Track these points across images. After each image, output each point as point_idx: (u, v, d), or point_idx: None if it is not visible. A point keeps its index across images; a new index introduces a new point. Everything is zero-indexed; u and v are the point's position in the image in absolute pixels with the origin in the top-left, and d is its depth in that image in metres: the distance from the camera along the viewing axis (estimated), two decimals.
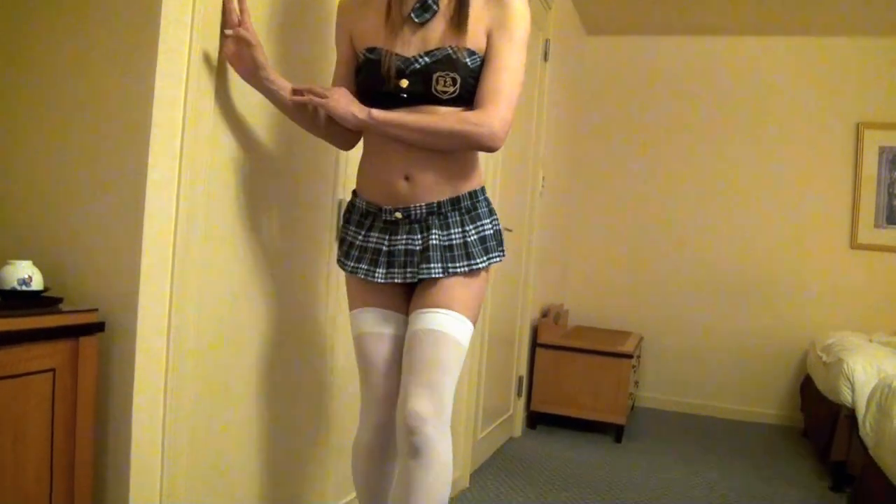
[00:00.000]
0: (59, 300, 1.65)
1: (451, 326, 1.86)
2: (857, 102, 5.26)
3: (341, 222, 2.10)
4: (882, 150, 5.18)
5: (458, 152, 1.90)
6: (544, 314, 4.87)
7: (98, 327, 1.66)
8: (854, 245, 5.22)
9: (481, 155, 2.00)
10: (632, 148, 5.73)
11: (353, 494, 2.83)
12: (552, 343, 4.67)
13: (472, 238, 1.91)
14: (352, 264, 1.99)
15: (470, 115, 1.80)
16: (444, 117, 1.81)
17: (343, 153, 2.47)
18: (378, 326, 1.96)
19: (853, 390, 3.81)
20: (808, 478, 4.11)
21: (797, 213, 5.36)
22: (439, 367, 1.83)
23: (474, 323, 1.93)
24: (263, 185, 2.11)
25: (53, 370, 1.55)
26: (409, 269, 1.92)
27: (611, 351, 4.55)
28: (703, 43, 5.60)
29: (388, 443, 1.96)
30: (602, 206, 5.79)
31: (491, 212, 1.97)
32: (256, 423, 2.17)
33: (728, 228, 5.50)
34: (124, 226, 1.70)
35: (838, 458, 3.85)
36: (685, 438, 4.77)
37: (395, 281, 1.93)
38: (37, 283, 1.61)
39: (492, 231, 1.95)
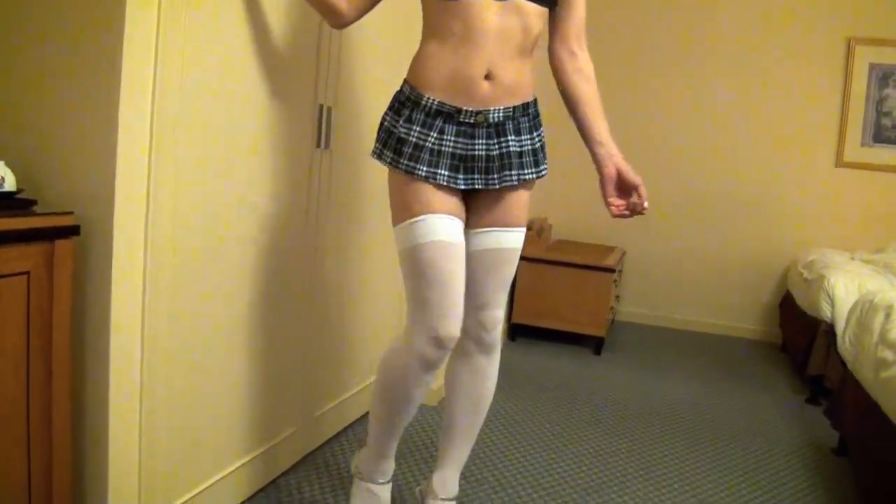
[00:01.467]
0: (34, 202, 1.59)
1: (520, 243, 2.03)
2: (849, 18, 5.15)
3: (393, 119, 1.92)
4: (872, 67, 5.10)
5: (528, 58, 1.93)
6: (528, 227, 4.83)
7: (73, 230, 1.60)
8: (840, 163, 5.20)
9: None
10: (616, 65, 5.62)
11: (332, 404, 2.84)
12: (535, 256, 4.65)
13: (537, 145, 1.99)
14: (424, 168, 1.85)
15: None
16: None
17: (324, 57, 2.39)
18: (452, 235, 1.87)
19: (833, 306, 3.84)
20: (785, 391, 4.18)
21: (783, 129, 5.30)
22: (510, 280, 2.05)
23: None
24: (241, 85, 2.03)
25: (28, 273, 1.51)
26: (490, 176, 1.90)
27: (593, 265, 4.55)
28: None
29: (444, 358, 1.90)
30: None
31: (541, 122, 2.04)
32: (239, 329, 2.15)
33: (713, 145, 5.45)
34: (99, 127, 1.63)
35: (815, 373, 3.91)
36: (664, 352, 4.83)
37: (476, 187, 1.90)
38: (9, 185, 1.55)
39: (544, 140, 2.05)
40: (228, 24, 1.94)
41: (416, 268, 1.86)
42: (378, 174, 2.95)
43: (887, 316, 2.72)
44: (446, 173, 1.87)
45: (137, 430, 1.78)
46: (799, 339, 4.28)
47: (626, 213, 2.02)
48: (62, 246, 1.58)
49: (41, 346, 1.55)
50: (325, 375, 2.75)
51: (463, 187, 1.89)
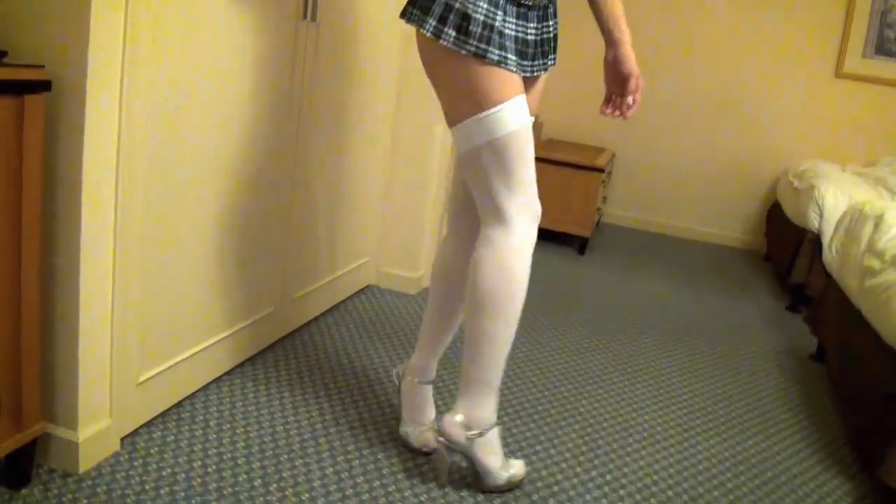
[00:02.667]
0: (3, 53, 1.50)
1: None
2: None
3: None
4: None
5: None
6: None
7: (44, 85, 1.52)
8: (839, 74, 5.08)
9: None
10: None
11: (313, 287, 2.81)
12: None
13: (557, 31, 1.90)
14: (497, 52, 1.68)
15: None
16: None
17: None
18: (528, 115, 1.78)
19: (821, 216, 3.82)
20: (766, 297, 4.19)
21: (783, 36, 5.16)
22: None
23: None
24: None
25: None
26: (535, 62, 1.85)
27: (582, 164, 4.49)
28: None
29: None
30: (580, 21, 5.53)
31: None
32: (217, 202, 2.09)
33: (709, 48, 5.31)
34: None
35: (798, 280, 3.91)
36: (648, 255, 4.81)
37: (532, 74, 1.85)
38: None
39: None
40: None
41: (511, 155, 1.73)
42: (371, 49, 2.85)
43: (876, 225, 2.69)
44: (514, 58, 1.73)
45: (110, 298, 1.74)
46: (784, 248, 4.27)
47: (609, 113, 1.96)
48: (33, 102, 1.50)
49: (9, 207, 1.49)
50: (307, 258, 2.71)
51: (525, 74, 1.81)
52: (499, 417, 2.32)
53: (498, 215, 1.79)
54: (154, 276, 1.90)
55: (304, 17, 2.33)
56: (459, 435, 1.86)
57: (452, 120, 1.78)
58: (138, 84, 1.68)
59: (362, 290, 3.33)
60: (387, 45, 3.03)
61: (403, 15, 1.77)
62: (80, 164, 1.58)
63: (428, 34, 1.70)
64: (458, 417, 1.87)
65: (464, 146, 1.77)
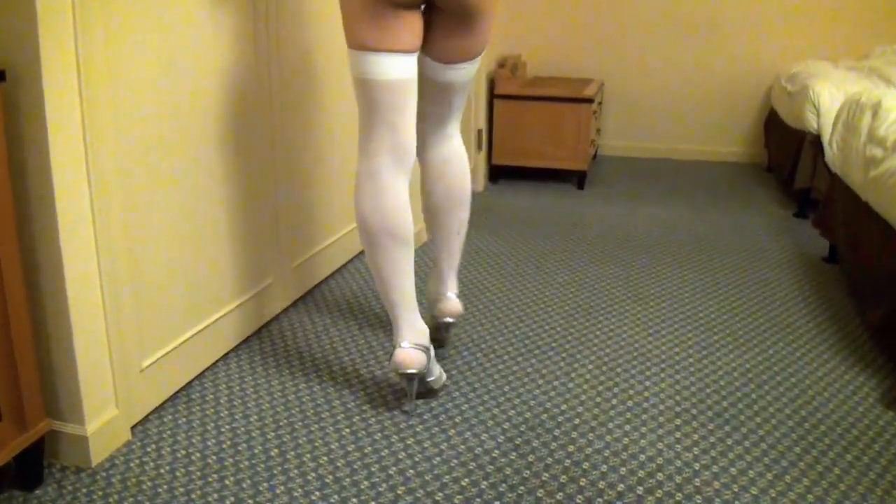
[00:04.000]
0: None
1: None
2: None
3: None
4: None
5: None
6: (500, 65, 4.66)
7: None
8: None
9: None
10: None
11: (309, 255, 2.77)
12: (510, 93, 4.49)
13: None
14: None
15: None
16: None
17: None
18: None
19: (818, 115, 3.73)
20: (772, 207, 4.13)
21: None
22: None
23: (348, 44, 1.86)
24: None
25: None
26: None
27: (570, 97, 4.39)
28: None
29: None
30: None
31: None
32: (196, 182, 2.03)
33: None
34: None
35: (802, 185, 3.84)
36: (649, 181, 4.74)
37: None
38: None
39: None
40: None
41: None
42: (334, 5, 2.77)
43: (874, 114, 2.61)
44: None
45: (98, 286, 1.69)
46: (785, 154, 4.19)
47: None
48: None
49: None
50: (300, 226, 2.66)
51: None
52: (516, 354, 2.28)
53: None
54: (142, 258, 1.85)
55: None
56: (461, 307, 2.25)
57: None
58: (96, 65, 1.62)
59: (361, 252, 3.28)
60: None
61: None
62: (48, 154, 1.53)
63: None
64: (454, 293, 2.26)
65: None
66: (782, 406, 2.03)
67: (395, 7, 1.73)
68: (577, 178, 4.55)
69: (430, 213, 2.21)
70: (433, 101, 2.04)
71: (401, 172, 1.87)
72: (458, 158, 2.14)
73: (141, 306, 1.86)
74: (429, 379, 2.00)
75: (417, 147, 2.11)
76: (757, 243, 3.47)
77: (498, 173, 4.66)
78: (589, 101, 4.36)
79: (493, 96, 4.50)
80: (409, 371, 1.89)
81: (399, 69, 1.78)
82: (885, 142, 2.41)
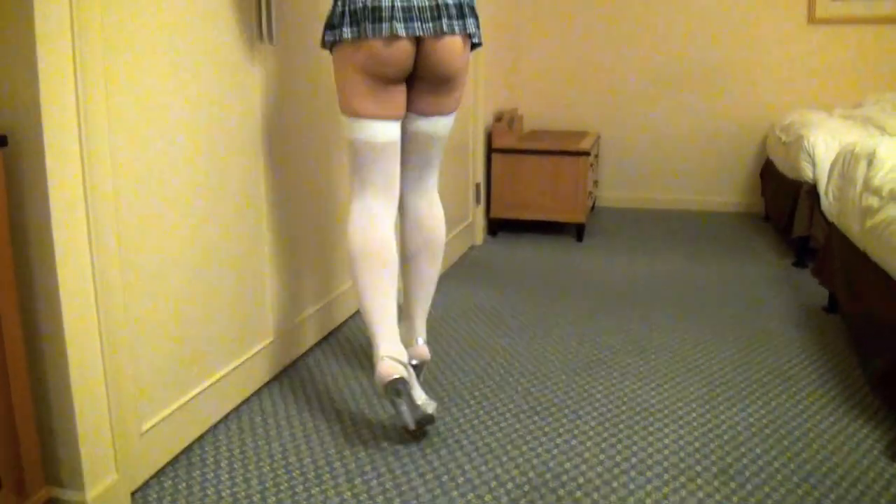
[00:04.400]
0: None
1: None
2: None
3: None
4: None
5: None
6: (498, 119, 4.70)
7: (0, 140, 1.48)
8: (812, 19, 5.03)
9: None
10: None
11: (310, 312, 2.77)
12: (507, 147, 4.53)
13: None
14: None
15: None
16: None
17: None
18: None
19: (814, 165, 3.76)
20: (771, 257, 4.14)
21: None
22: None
23: (342, 111, 2.15)
24: None
25: None
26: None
27: (567, 150, 4.43)
28: None
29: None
30: (549, 7, 5.50)
31: None
32: (194, 241, 2.04)
33: (679, 15, 5.26)
34: (15, 34, 1.48)
35: (800, 234, 3.85)
36: (647, 232, 4.76)
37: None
38: None
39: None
40: None
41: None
42: (330, 66, 2.81)
43: (870, 163, 2.63)
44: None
45: (99, 350, 1.69)
46: (781, 203, 4.21)
47: None
48: None
49: None
50: (298, 284, 2.66)
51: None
52: (518, 412, 2.27)
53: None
54: (142, 321, 1.85)
55: (261, 39, 2.29)
56: (428, 352, 2.36)
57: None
58: (96, 130, 1.64)
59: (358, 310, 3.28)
60: None
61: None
62: (49, 218, 1.54)
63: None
64: (423, 339, 2.38)
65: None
66: (787, 461, 2.01)
67: (387, 82, 2.03)
68: (576, 231, 4.57)
69: (406, 262, 2.38)
70: (416, 153, 2.25)
71: (389, 210, 2.18)
72: (436, 211, 2.35)
73: (141, 368, 1.86)
74: (418, 402, 2.06)
75: (399, 201, 2.30)
76: (757, 293, 3.47)
77: (497, 226, 4.68)
78: (586, 153, 4.40)
79: (490, 150, 4.54)
80: (394, 377, 2.01)
81: (388, 133, 2.10)
82: (880, 191, 2.43)
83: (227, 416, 2.26)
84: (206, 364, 2.14)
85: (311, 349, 2.79)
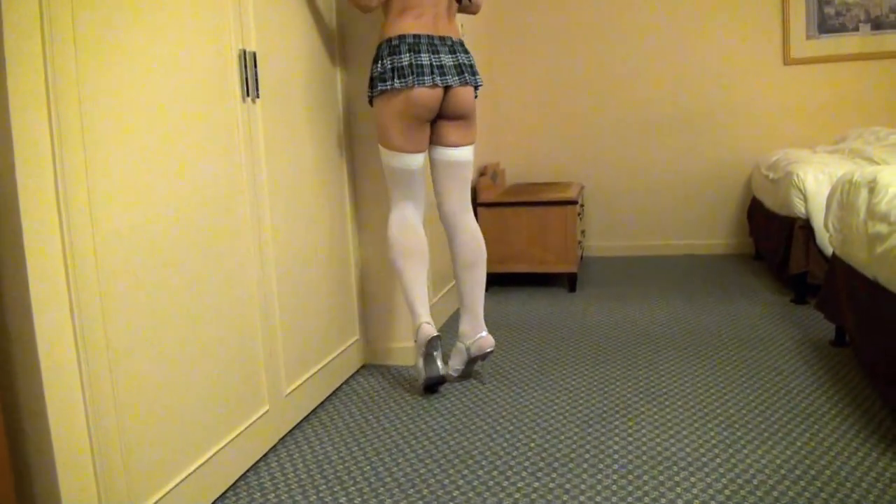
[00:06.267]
0: None
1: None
2: None
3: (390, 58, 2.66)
4: None
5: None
6: (481, 174, 4.65)
7: None
8: (788, 61, 5.06)
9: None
10: (548, 2, 5.42)
11: (303, 379, 2.65)
12: (493, 201, 4.46)
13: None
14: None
15: None
16: None
17: (248, 4, 2.17)
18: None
19: (806, 200, 3.72)
20: (768, 295, 4.07)
21: (726, 36, 5.16)
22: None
23: (380, 143, 2.80)
24: (150, 39, 1.79)
25: None
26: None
27: (554, 200, 4.37)
28: None
29: None
30: (526, 60, 5.51)
31: (374, 59, 2.71)
32: (182, 311, 1.93)
33: (656, 63, 5.29)
34: None
35: (798, 270, 3.78)
36: (639, 279, 4.69)
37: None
38: None
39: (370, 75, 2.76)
40: None
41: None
42: (316, 122, 2.74)
43: (871, 190, 2.57)
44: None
45: (85, 428, 1.56)
46: (774, 241, 4.16)
47: None
48: None
49: None
50: (293, 349, 2.55)
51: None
52: (535, 469, 2.14)
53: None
54: (129, 394, 1.72)
55: (246, 97, 2.22)
56: (493, 340, 2.94)
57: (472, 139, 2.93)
58: (75, 191, 1.54)
59: (358, 371, 3.16)
60: (329, 117, 2.93)
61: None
62: (28, 289, 1.43)
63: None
64: (486, 331, 2.94)
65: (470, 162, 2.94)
66: (821, 502, 1.90)
67: (418, 124, 2.70)
68: (568, 281, 4.48)
69: (467, 269, 2.92)
70: (454, 179, 2.87)
71: (419, 216, 2.88)
72: (475, 227, 2.95)
73: (130, 451, 1.72)
74: (445, 362, 3.00)
75: (449, 227, 2.93)
76: (760, 332, 3.39)
77: (487, 282, 4.58)
78: (573, 202, 4.34)
79: (476, 205, 4.47)
80: (433, 335, 2.73)
81: (417, 162, 2.78)
82: (888, 217, 2.36)
83: (224, 494, 2.11)
84: (200, 438, 2.01)
85: (312, 413, 2.66)
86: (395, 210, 2.85)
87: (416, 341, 2.79)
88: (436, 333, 2.73)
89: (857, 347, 2.70)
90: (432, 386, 2.80)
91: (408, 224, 2.83)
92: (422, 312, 2.80)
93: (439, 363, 2.77)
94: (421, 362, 2.78)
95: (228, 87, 2.15)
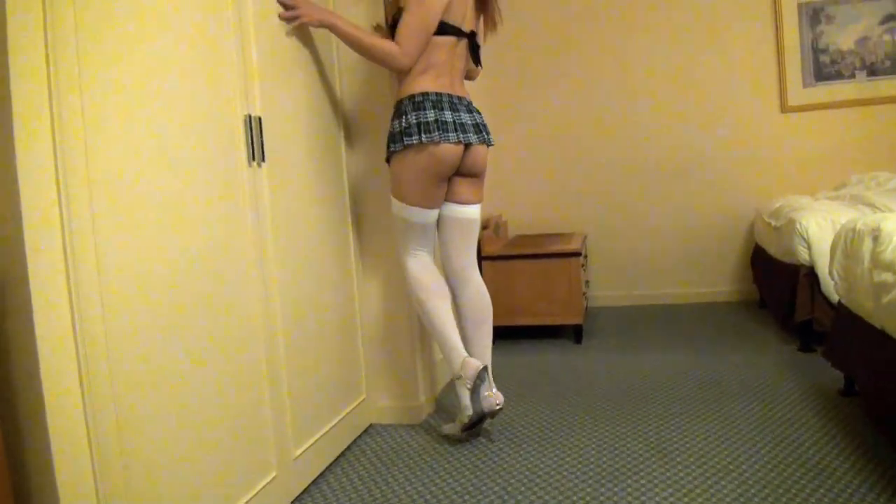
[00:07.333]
0: None
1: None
2: None
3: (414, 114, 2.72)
4: (801, 7, 5.03)
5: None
6: (484, 227, 4.67)
7: None
8: (785, 108, 5.11)
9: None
10: (545, 47, 5.49)
11: (311, 442, 2.63)
12: (497, 254, 4.47)
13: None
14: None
15: (385, 42, 2.69)
16: (375, 42, 2.68)
17: (252, 69, 2.20)
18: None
19: (809, 247, 3.72)
20: (775, 344, 4.05)
21: (723, 85, 5.22)
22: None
23: (396, 197, 2.84)
24: (158, 106, 1.81)
25: None
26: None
27: (557, 252, 4.38)
28: None
29: None
30: (526, 113, 5.57)
31: (396, 115, 2.77)
32: (188, 376, 1.92)
33: (656, 113, 5.34)
34: None
35: (803, 319, 3.77)
36: (645, 329, 4.67)
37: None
38: None
39: (389, 132, 2.80)
40: (130, 41, 1.72)
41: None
42: (322, 184, 2.76)
43: (875, 239, 2.57)
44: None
45: (94, 495, 1.55)
46: (779, 289, 4.15)
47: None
48: None
49: None
50: (299, 411, 2.53)
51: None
52: None
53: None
54: (133, 464, 1.71)
55: (252, 160, 2.24)
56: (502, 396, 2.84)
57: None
58: (86, 273, 1.54)
59: (365, 431, 3.14)
60: (334, 178, 2.95)
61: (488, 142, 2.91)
62: (38, 364, 1.43)
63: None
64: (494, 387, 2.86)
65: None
66: None
67: (437, 181, 2.76)
68: (574, 333, 4.47)
69: (476, 325, 2.95)
70: (464, 236, 2.95)
71: (431, 259, 2.94)
72: (482, 283, 3.01)
73: None
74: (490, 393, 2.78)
75: (456, 283, 2.98)
76: (768, 382, 3.37)
77: (493, 335, 4.56)
78: (577, 254, 4.34)
79: (480, 258, 4.48)
80: (480, 366, 2.73)
81: (432, 216, 2.86)
82: (893, 265, 2.36)
83: None
84: None
85: (321, 476, 2.63)
86: (410, 258, 2.90)
87: (458, 378, 2.75)
88: (482, 365, 2.72)
89: (867, 397, 2.68)
90: (479, 423, 2.76)
91: (427, 265, 2.89)
92: (460, 346, 2.80)
93: (486, 394, 2.73)
94: (467, 397, 2.74)
95: (234, 151, 2.17)
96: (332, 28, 2.69)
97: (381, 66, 2.80)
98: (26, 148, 1.43)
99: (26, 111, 1.43)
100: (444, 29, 2.75)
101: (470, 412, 2.73)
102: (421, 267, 2.88)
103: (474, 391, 2.70)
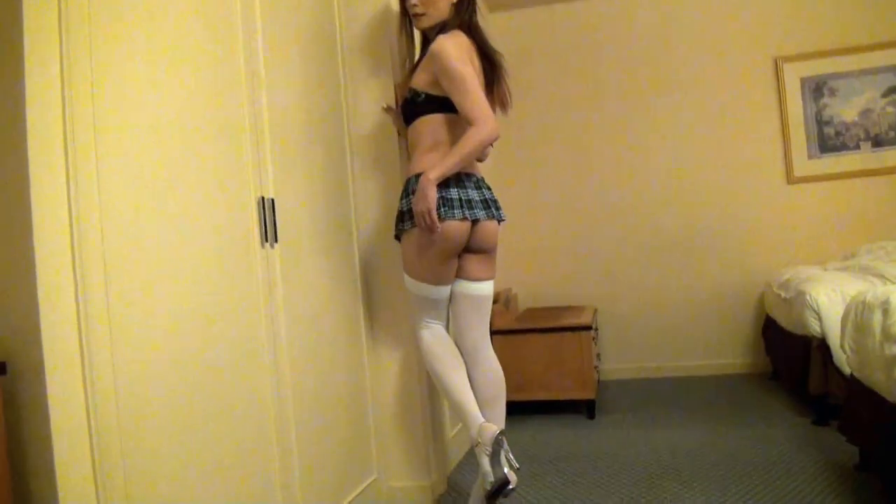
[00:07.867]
0: None
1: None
2: (771, 37, 5.23)
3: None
4: (804, 81, 5.13)
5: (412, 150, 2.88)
6: (494, 301, 4.68)
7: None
8: (791, 180, 5.17)
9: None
10: (552, 122, 5.59)
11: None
12: (507, 328, 4.48)
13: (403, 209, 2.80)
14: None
15: (472, 132, 2.65)
16: (466, 142, 2.64)
17: (265, 151, 2.25)
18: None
19: (820, 319, 3.72)
20: (789, 417, 4.01)
21: (730, 158, 5.28)
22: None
23: (407, 273, 2.85)
24: (173, 189, 1.86)
25: None
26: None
27: (568, 325, 4.38)
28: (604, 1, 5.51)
29: None
30: (533, 186, 5.64)
31: (404, 193, 2.78)
32: (205, 459, 1.92)
33: (664, 186, 5.40)
34: (16, 261, 1.45)
35: (818, 392, 3.74)
36: (658, 403, 4.64)
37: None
38: None
39: (398, 209, 2.81)
40: (145, 123, 1.78)
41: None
42: (333, 262, 2.79)
43: (885, 312, 2.58)
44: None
45: None
46: (791, 361, 4.13)
47: None
48: None
49: None
50: (310, 494, 2.52)
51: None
52: None
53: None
54: None
55: (265, 242, 2.28)
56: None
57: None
58: (101, 359, 1.57)
59: None
60: (346, 254, 2.99)
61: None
62: (52, 452, 1.44)
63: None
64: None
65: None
66: None
67: (446, 258, 2.74)
68: (587, 408, 4.44)
69: (482, 405, 2.78)
70: (477, 313, 2.89)
71: (445, 331, 2.90)
72: (496, 360, 2.92)
73: None
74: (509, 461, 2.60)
75: (469, 360, 2.86)
76: (784, 457, 3.33)
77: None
78: (588, 328, 4.34)
79: (491, 332, 4.48)
80: (497, 431, 2.57)
81: (444, 292, 2.84)
82: None
83: None
84: None
85: None
86: (424, 329, 2.87)
87: (476, 444, 2.64)
88: (499, 430, 2.61)
89: (884, 472, 2.65)
90: (502, 490, 2.60)
91: (441, 337, 2.85)
92: (476, 413, 2.70)
93: (505, 466, 2.59)
94: (487, 463, 2.61)
95: (247, 233, 2.21)
96: (443, 177, 2.63)
97: (492, 143, 2.80)
98: (43, 224, 1.47)
99: (41, 175, 1.48)
100: (454, 106, 2.72)
101: (491, 478, 2.61)
102: (435, 338, 2.84)
103: (494, 456, 2.60)
